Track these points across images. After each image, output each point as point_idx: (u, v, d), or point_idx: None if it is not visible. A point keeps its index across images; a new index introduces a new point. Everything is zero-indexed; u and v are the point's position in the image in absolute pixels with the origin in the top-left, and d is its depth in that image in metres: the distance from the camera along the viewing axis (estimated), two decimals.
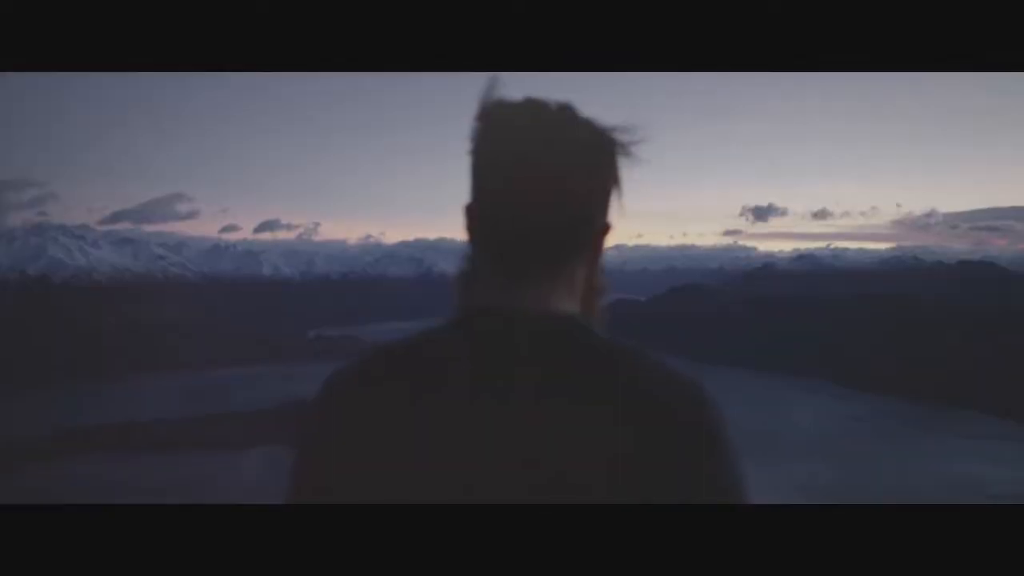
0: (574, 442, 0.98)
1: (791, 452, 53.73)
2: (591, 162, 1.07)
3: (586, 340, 1.07)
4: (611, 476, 0.98)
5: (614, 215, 1.13)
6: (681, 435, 1.01)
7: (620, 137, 1.09)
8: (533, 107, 1.07)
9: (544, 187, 1.04)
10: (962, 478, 54.05)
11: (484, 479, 0.99)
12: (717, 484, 1.02)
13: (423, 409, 1.03)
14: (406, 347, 1.11)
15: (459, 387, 1.02)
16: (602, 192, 1.10)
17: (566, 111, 1.08)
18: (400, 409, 1.04)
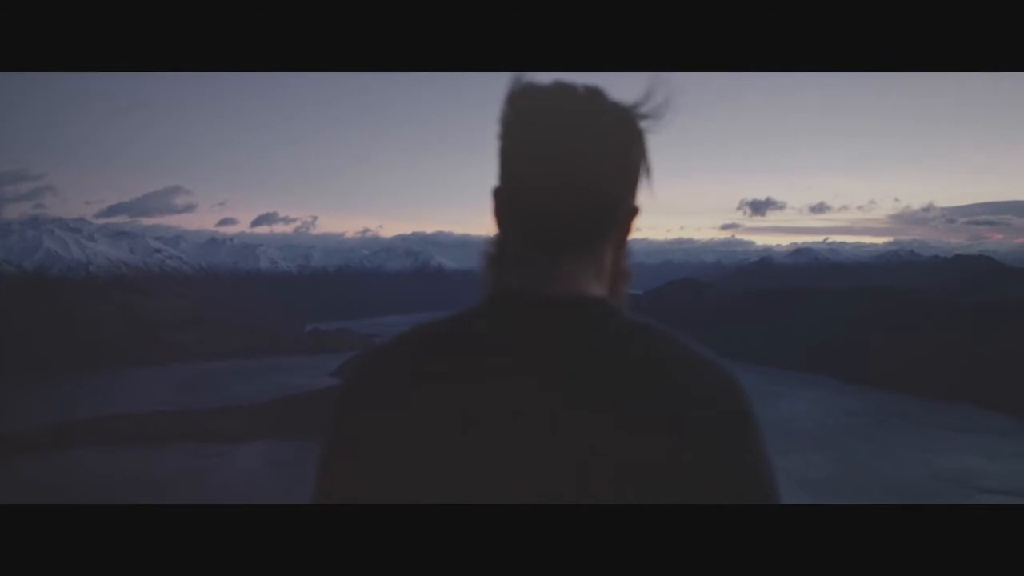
0: (610, 430, 0.96)
1: (788, 445, 53.87)
2: (620, 145, 1.06)
3: (617, 324, 1.06)
4: (646, 465, 0.96)
5: (642, 198, 1.13)
6: (718, 423, 1.00)
7: (648, 118, 1.08)
8: (562, 90, 1.07)
9: (573, 170, 1.03)
10: (957, 472, 54.25)
11: (513, 469, 0.97)
12: (753, 473, 1.02)
13: (455, 393, 1.00)
14: (436, 332, 1.09)
15: (491, 372, 1.00)
16: (631, 175, 1.10)
17: (595, 93, 1.07)
18: (430, 394, 1.01)
